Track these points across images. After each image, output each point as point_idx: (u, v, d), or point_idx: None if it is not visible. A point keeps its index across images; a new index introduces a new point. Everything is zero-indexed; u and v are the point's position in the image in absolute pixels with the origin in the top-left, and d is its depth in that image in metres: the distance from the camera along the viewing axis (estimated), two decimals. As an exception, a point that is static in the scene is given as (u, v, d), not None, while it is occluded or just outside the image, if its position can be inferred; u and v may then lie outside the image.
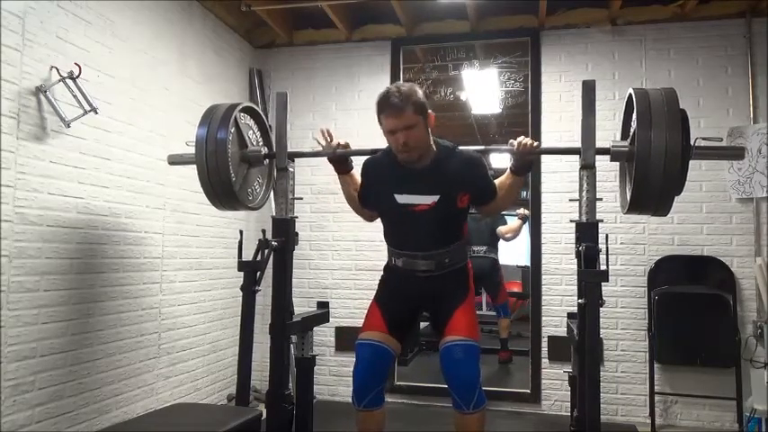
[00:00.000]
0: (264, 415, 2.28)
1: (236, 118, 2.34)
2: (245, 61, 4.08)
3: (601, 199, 2.16)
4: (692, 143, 2.01)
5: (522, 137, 2.21)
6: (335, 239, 4.05)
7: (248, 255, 2.31)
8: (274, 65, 4.22)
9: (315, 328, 2.68)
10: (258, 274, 2.29)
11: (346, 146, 2.36)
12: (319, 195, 4.04)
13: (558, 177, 3.70)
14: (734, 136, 3.44)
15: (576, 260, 2.13)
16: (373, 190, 2.34)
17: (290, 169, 2.46)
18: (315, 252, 4.06)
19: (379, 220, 2.41)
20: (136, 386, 2.91)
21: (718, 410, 3.42)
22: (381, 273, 2.43)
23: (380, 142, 2.30)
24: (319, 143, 2.39)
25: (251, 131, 2.50)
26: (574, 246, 2.16)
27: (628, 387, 3.55)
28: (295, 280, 2.55)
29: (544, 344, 3.69)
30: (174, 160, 2.60)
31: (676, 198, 2.05)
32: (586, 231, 2.11)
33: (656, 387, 3.44)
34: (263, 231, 2.38)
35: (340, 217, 3.99)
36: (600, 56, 3.74)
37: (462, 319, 2.19)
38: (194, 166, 2.31)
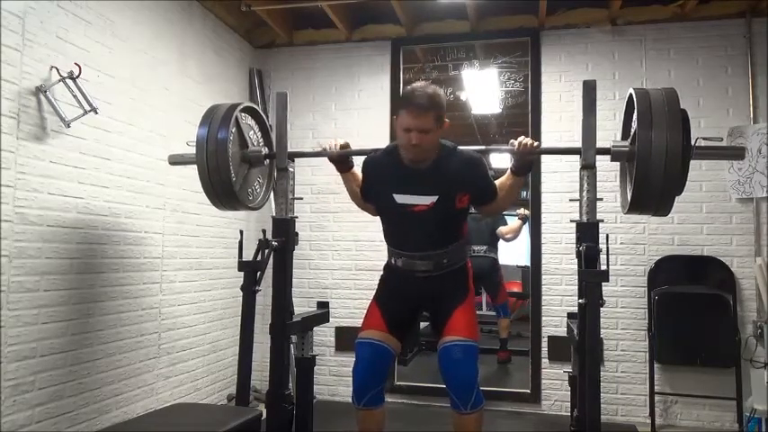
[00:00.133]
0: (264, 415, 2.28)
1: (236, 118, 2.34)
2: (245, 61, 4.08)
3: (601, 199, 2.16)
4: (692, 143, 2.01)
5: (523, 137, 2.21)
6: (335, 239, 4.05)
7: (248, 255, 2.31)
8: (274, 65, 4.21)
9: (315, 328, 2.69)
10: (258, 274, 2.29)
11: (346, 146, 2.37)
12: (319, 195, 4.04)
13: (558, 177, 3.70)
14: (734, 136, 3.44)
15: (576, 260, 2.13)
16: (374, 188, 2.34)
17: (291, 169, 2.46)
18: (315, 252, 4.06)
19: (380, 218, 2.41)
20: (136, 386, 2.91)
21: (718, 410, 3.42)
22: (381, 272, 2.43)
23: (380, 142, 2.30)
24: (321, 145, 2.40)
25: (252, 131, 2.50)
26: (574, 246, 2.15)
27: (628, 387, 3.54)
28: (295, 280, 2.55)
29: (544, 344, 3.69)
30: (175, 160, 2.60)
31: (676, 198, 2.05)
32: (587, 231, 2.11)
33: (656, 387, 3.44)
34: (264, 231, 2.38)
35: (340, 217, 3.99)
36: (600, 56, 3.74)
37: (461, 319, 2.19)
38: (195, 166, 2.31)
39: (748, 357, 3.31)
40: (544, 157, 3.73)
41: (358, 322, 2.39)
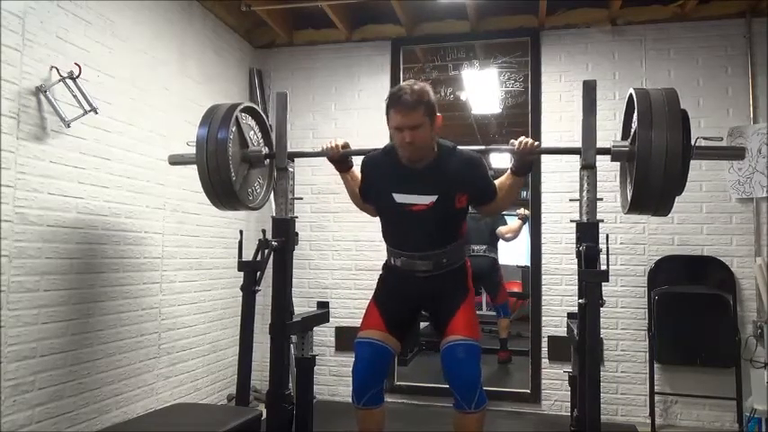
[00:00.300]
0: (264, 415, 2.28)
1: (237, 118, 2.34)
2: (245, 61, 4.08)
3: (601, 199, 2.16)
4: (692, 143, 2.01)
5: (523, 137, 2.21)
6: (335, 239, 4.05)
7: (248, 255, 2.31)
8: (274, 65, 4.22)
9: (315, 328, 2.68)
10: (258, 274, 2.29)
11: (346, 146, 2.37)
12: (319, 195, 4.04)
13: (558, 177, 3.70)
14: (734, 136, 3.44)
15: (576, 260, 2.13)
16: (373, 188, 2.34)
17: (290, 169, 2.46)
18: (315, 252, 4.06)
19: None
20: (136, 386, 2.91)
21: (718, 410, 3.42)
22: (380, 271, 2.43)
23: (380, 142, 2.30)
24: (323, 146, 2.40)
25: (252, 131, 2.50)
26: (574, 246, 2.15)
27: (628, 387, 3.55)
28: (295, 280, 2.55)
29: (544, 344, 3.69)
30: (175, 160, 2.60)
31: (676, 198, 2.05)
32: (587, 231, 2.11)
33: (656, 387, 3.44)
34: (263, 231, 2.38)
35: (340, 217, 3.99)
36: (600, 56, 3.74)
37: (463, 318, 2.20)
38: (195, 166, 2.31)
39: (748, 357, 3.31)
40: (544, 157, 3.73)
41: (358, 322, 2.39)
